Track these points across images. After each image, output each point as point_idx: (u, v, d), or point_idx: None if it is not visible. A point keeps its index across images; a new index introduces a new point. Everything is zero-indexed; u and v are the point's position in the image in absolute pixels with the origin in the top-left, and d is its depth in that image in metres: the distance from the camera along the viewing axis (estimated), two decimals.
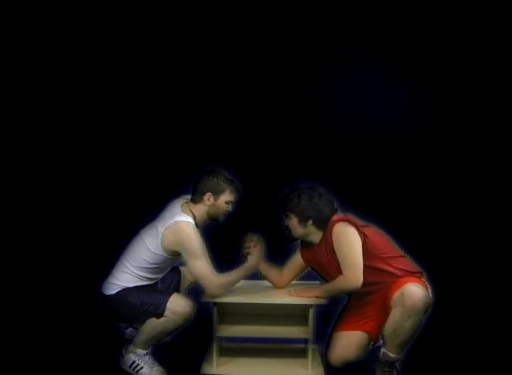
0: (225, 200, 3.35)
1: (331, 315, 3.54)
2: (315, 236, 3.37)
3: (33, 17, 4.77)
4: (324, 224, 3.33)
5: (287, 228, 3.39)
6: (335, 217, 3.32)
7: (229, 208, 3.40)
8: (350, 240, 3.22)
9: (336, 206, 3.39)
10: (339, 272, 3.24)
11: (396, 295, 3.16)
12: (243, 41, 4.86)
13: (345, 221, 3.28)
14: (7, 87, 4.81)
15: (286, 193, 3.41)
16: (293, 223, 3.34)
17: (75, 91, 4.89)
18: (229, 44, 4.86)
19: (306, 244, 3.45)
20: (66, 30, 4.81)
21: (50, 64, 4.85)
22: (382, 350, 3.25)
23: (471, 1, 4.68)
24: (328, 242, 3.30)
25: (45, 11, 4.76)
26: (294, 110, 4.92)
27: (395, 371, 3.26)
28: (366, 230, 3.28)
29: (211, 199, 3.33)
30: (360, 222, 3.30)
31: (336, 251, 3.25)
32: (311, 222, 3.31)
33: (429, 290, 3.27)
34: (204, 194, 3.32)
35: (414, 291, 3.12)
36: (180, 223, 3.24)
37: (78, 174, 4.92)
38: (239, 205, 3.46)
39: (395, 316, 3.16)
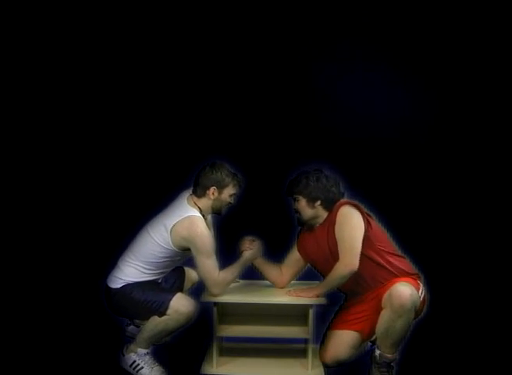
0: (228, 193, 3.37)
1: (331, 315, 3.54)
2: (322, 218, 3.36)
3: (33, 17, 4.77)
4: (332, 205, 3.33)
5: (296, 211, 3.39)
6: (343, 200, 3.33)
7: (232, 201, 3.41)
8: (353, 222, 3.22)
9: (342, 188, 3.40)
10: (336, 256, 3.23)
11: (385, 296, 3.17)
12: (245, 40, 4.86)
13: (352, 205, 3.28)
14: (7, 87, 4.81)
15: (292, 178, 3.41)
16: (302, 204, 3.34)
17: (76, 85, 4.88)
18: (231, 43, 4.86)
19: (304, 231, 3.45)
20: (66, 30, 4.80)
21: (50, 64, 4.85)
22: (378, 351, 3.25)
23: (471, 1, 4.68)
24: (331, 223, 3.29)
25: (45, 11, 4.76)
26: (294, 110, 4.92)
27: (392, 371, 3.26)
28: (371, 221, 3.29)
29: (216, 193, 3.34)
30: (366, 211, 3.31)
31: (337, 233, 3.24)
32: (319, 202, 3.31)
33: (423, 291, 3.26)
34: (208, 188, 3.33)
35: (402, 291, 3.11)
36: (194, 218, 3.25)
37: (82, 168, 4.92)
38: (241, 199, 3.48)
39: (385, 316, 3.16)
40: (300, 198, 3.34)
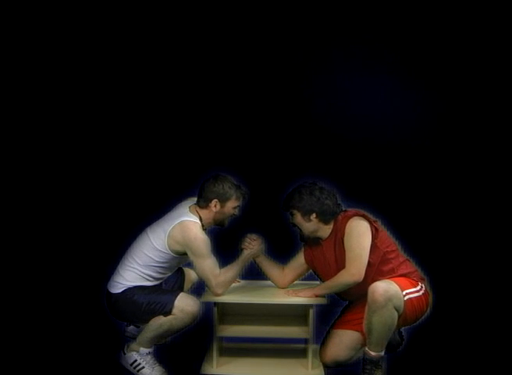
0: (231, 206, 3.36)
1: (331, 315, 3.55)
2: (323, 231, 3.36)
3: (33, 17, 4.77)
4: (329, 217, 3.33)
5: (295, 226, 3.39)
6: (350, 212, 3.33)
7: (236, 212, 3.41)
8: (361, 233, 3.22)
9: (339, 200, 3.39)
10: (343, 267, 3.23)
11: None
12: (245, 46, 4.88)
13: (360, 216, 3.28)
14: (7, 87, 4.81)
15: (287, 192, 3.41)
16: (298, 218, 3.33)
17: (84, 96, 4.93)
18: (231, 49, 4.88)
19: (312, 243, 3.44)
20: (66, 30, 4.81)
21: (53, 66, 4.86)
22: (365, 348, 3.25)
23: (473, 2, 4.70)
24: (338, 236, 3.30)
25: (45, 11, 4.77)
26: (297, 113, 4.93)
27: (378, 370, 3.22)
28: (378, 227, 3.29)
29: (218, 206, 3.34)
30: (372, 218, 3.31)
31: (345, 243, 3.24)
32: (314, 215, 3.31)
33: (421, 292, 3.24)
34: (210, 200, 3.33)
35: (377, 287, 3.09)
36: (187, 222, 3.26)
37: (86, 175, 4.96)
38: (244, 208, 3.47)
39: (365, 312, 3.16)
40: (295, 212, 3.34)
